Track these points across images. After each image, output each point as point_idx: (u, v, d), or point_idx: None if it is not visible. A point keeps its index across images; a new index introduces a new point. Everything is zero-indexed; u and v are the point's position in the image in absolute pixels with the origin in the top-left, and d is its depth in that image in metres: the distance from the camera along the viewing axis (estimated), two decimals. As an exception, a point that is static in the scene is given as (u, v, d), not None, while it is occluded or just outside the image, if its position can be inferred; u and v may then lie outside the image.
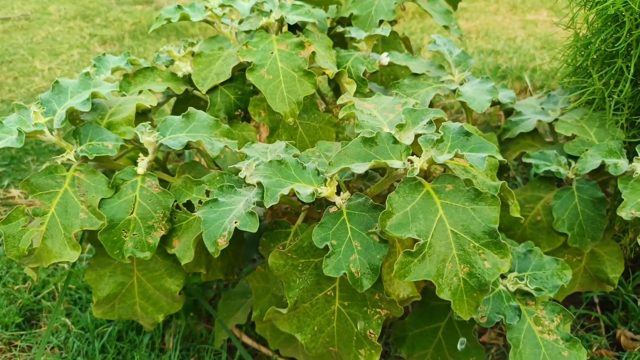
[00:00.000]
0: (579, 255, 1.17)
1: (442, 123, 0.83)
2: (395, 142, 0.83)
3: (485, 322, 0.91)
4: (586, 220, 1.10)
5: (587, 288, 1.21)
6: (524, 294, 0.98)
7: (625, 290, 1.46)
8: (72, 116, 1.10)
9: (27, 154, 2.37)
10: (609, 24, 1.06)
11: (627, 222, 1.24)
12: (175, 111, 1.30)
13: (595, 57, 1.13)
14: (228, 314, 1.36)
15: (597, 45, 1.10)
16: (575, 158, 1.14)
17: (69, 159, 0.91)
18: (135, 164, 0.95)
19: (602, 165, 1.12)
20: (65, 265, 1.78)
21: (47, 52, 3.36)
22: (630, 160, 1.06)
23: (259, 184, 0.84)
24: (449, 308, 1.09)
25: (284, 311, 0.88)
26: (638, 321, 1.43)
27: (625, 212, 0.97)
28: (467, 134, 0.81)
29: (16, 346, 1.51)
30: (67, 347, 1.50)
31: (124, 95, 1.06)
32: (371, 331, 0.89)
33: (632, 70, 1.03)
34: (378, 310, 0.89)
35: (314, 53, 1.10)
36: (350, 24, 1.50)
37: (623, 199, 0.98)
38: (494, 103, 1.44)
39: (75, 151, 0.91)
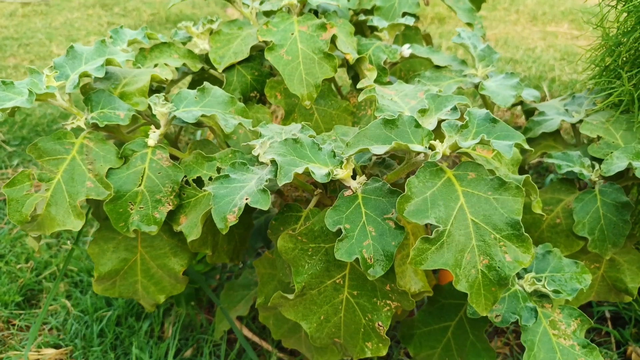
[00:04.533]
0: (597, 262, 1.13)
1: (467, 109, 0.80)
2: (418, 125, 0.79)
3: (500, 322, 0.87)
4: (608, 225, 1.05)
5: (604, 297, 1.16)
6: (541, 296, 0.94)
7: (639, 306, 1.41)
8: (85, 88, 1.08)
9: (37, 135, 2.36)
10: (642, 23, 1.03)
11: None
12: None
13: (625, 57, 1.09)
14: (230, 305, 1.34)
15: (629, 44, 1.06)
16: (599, 161, 1.10)
17: (79, 126, 0.89)
18: (147, 136, 0.92)
19: (627, 170, 1.08)
20: (68, 242, 1.76)
21: (64, 38, 3.37)
22: (658, 165, 1.01)
23: (273, 162, 0.81)
24: (460, 307, 1.05)
25: (291, 297, 0.85)
26: (651, 338, 1.39)
27: (651, 217, 0.93)
28: (494, 120, 0.77)
29: (14, 325, 1.49)
30: (65, 329, 1.47)
31: (139, 68, 1.04)
32: (380, 323, 0.85)
33: (664, 72, 0.99)
34: (388, 302, 0.85)
35: (335, 37, 1.07)
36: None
37: (650, 203, 0.94)
38: (515, 103, 1.41)
39: (86, 118, 0.88)
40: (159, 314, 1.48)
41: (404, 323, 1.08)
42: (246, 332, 1.43)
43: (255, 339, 1.41)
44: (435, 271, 1.48)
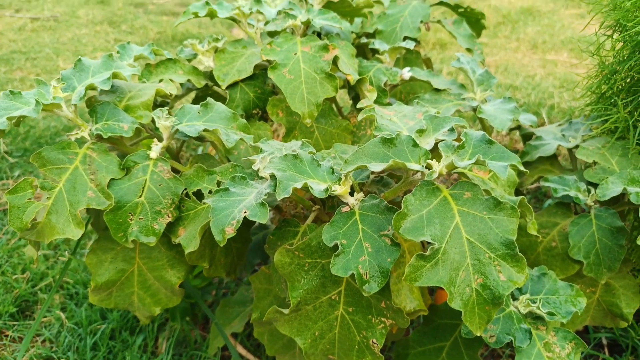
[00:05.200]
0: (592, 286, 1.13)
1: (464, 130, 0.82)
2: (415, 145, 0.81)
3: (494, 342, 0.88)
4: (603, 249, 1.06)
5: (600, 322, 1.16)
6: (535, 318, 0.94)
7: (636, 334, 1.40)
8: (90, 100, 1.10)
9: (40, 147, 2.38)
10: (637, 52, 1.05)
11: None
12: (193, 106, 1.30)
13: (621, 85, 1.11)
14: (225, 322, 1.33)
15: (623, 73, 1.08)
16: (595, 185, 1.12)
17: (82, 137, 0.90)
18: (149, 149, 0.94)
19: (622, 195, 1.09)
20: (66, 253, 1.76)
21: (72, 53, 3.42)
22: (653, 191, 1.03)
23: (272, 177, 0.83)
24: (455, 327, 1.05)
25: (286, 311, 0.85)
26: (648, 366, 1.38)
27: (645, 242, 0.94)
28: (490, 142, 0.79)
29: (7, 336, 1.48)
30: (58, 341, 1.47)
31: (145, 83, 1.06)
32: (374, 340, 0.85)
33: (658, 100, 1.01)
34: (383, 319, 0.85)
35: (337, 58, 1.10)
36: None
37: (644, 228, 0.95)
38: (513, 128, 1.43)
39: (90, 129, 0.90)
40: (153, 329, 1.48)
41: (399, 343, 1.08)
42: (240, 349, 1.43)
43: (250, 356, 1.40)
44: (431, 291, 1.48)
